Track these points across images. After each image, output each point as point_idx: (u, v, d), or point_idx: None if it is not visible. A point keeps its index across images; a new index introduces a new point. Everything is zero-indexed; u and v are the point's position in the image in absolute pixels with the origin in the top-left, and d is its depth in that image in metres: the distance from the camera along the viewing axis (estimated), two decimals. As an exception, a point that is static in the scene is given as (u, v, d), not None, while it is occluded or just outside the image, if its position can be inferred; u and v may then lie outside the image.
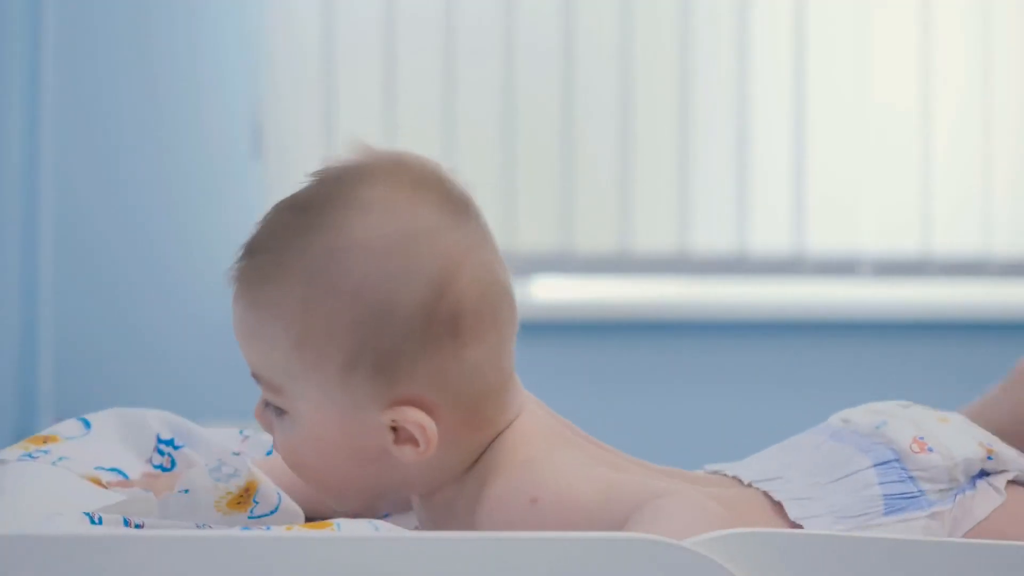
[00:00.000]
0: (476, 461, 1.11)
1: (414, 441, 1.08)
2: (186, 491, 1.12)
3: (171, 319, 3.08)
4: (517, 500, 1.06)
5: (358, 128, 3.11)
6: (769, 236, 3.36)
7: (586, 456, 1.12)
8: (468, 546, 0.93)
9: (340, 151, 1.12)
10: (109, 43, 3.09)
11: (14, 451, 1.28)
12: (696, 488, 1.13)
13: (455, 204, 1.10)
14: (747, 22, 3.35)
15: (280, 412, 1.11)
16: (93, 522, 1.07)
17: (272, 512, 1.14)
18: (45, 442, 1.31)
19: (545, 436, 1.12)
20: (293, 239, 1.08)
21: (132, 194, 3.09)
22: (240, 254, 1.10)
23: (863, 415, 1.20)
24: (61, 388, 3.03)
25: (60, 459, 1.27)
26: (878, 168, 3.40)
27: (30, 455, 1.27)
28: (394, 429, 1.08)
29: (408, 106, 3.18)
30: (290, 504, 1.15)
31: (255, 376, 1.11)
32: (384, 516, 1.26)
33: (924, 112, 3.42)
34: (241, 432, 1.38)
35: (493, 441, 1.11)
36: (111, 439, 1.33)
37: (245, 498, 1.14)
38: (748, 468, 1.19)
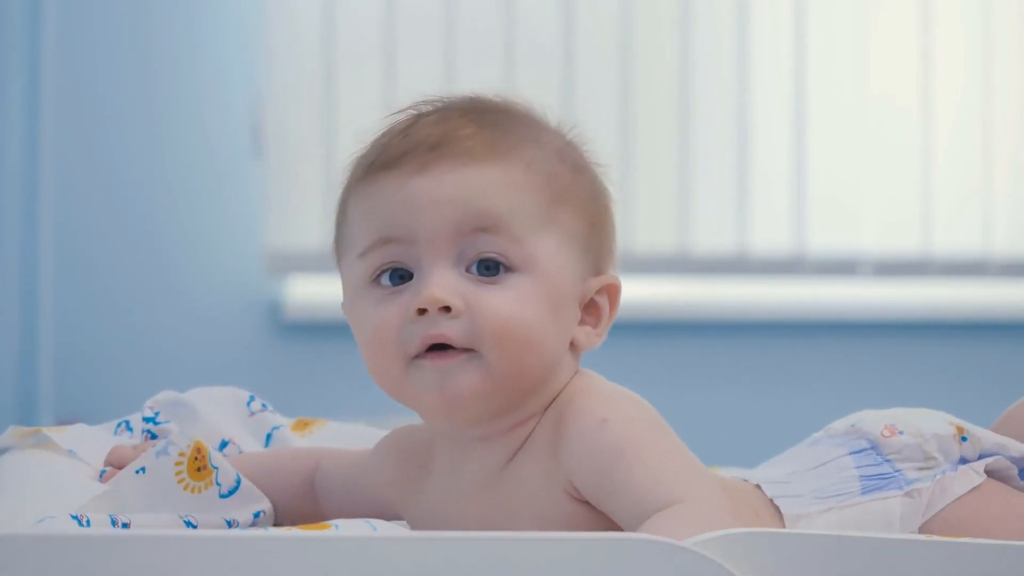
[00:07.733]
0: (548, 406, 1.16)
1: (591, 322, 1.19)
2: (143, 469, 1.15)
3: (171, 319, 3.07)
4: (590, 420, 1.13)
5: (358, 128, 3.11)
6: (769, 236, 3.36)
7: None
8: (468, 546, 0.93)
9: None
10: (109, 43, 3.09)
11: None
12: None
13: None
14: (747, 22, 3.35)
15: (502, 272, 1.14)
16: (81, 525, 1.07)
17: (236, 487, 1.17)
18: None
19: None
20: (528, 118, 1.22)
21: (132, 194, 3.09)
22: (467, 121, 1.18)
23: (841, 422, 1.27)
24: (61, 388, 3.03)
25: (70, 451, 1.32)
26: (878, 168, 3.40)
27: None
28: (583, 309, 1.18)
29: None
30: (249, 485, 1.19)
31: (491, 229, 1.14)
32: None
33: (924, 112, 3.42)
34: (250, 400, 1.41)
35: (565, 387, 1.17)
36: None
37: (202, 462, 1.15)
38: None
